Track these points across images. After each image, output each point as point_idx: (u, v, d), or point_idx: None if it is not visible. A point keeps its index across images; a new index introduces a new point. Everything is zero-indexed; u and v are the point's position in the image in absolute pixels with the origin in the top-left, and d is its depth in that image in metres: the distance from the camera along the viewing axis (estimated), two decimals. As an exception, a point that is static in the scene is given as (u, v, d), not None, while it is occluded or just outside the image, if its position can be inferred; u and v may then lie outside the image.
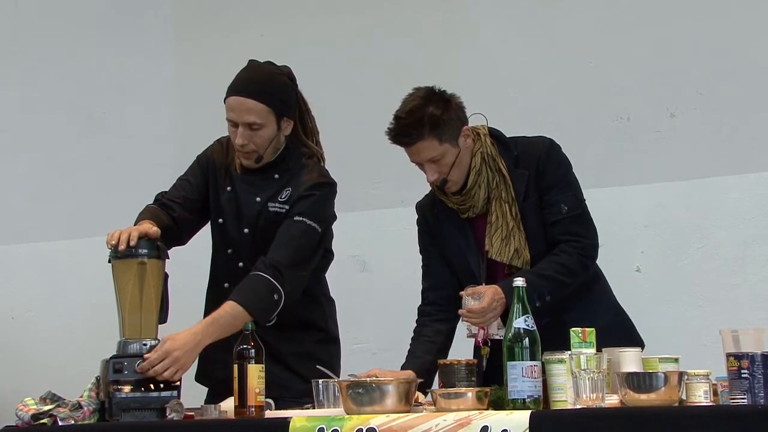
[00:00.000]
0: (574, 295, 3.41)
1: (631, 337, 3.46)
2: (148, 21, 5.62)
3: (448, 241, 3.55)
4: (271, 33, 5.36)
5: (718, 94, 4.62)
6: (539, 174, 3.45)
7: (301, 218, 3.52)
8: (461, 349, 3.59)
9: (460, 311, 3.33)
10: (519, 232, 3.42)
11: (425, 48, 4.99)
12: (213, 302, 3.68)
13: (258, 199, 3.61)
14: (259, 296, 3.38)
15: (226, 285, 3.65)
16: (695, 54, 4.66)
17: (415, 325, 3.59)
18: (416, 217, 3.66)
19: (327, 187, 3.62)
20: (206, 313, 3.71)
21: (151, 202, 3.71)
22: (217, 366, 3.46)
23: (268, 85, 3.60)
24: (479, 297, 3.28)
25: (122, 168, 5.55)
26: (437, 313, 3.55)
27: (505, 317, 2.94)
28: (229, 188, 3.68)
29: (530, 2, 4.97)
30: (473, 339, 3.46)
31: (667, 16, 4.73)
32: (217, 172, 3.72)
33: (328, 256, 3.73)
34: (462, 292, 3.33)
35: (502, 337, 3.30)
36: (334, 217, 3.68)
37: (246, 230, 3.61)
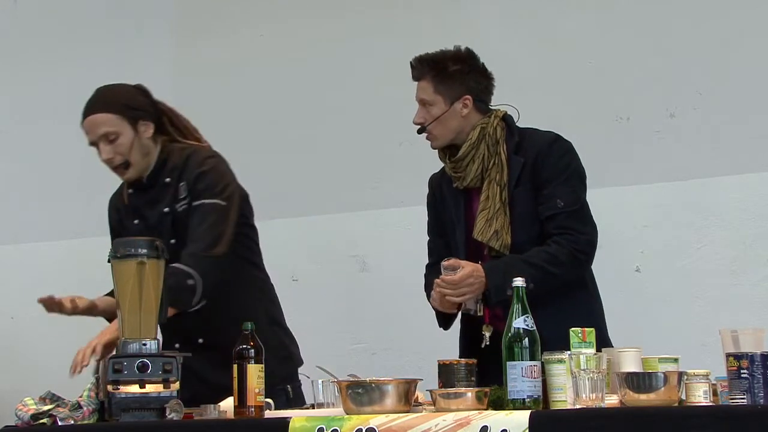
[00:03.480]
0: (553, 296, 3.35)
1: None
2: (147, 21, 5.62)
3: (446, 211, 3.61)
4: (271, 33, 5.36)
5: (718, 94, 4.61)
6: (537, 166, 3.47)
7: (200, 201, 3.58)
8: (453, 346, 3.61)
9: (435, 280, 3.37)
10: (504, 216, 3.44)
11: (425, 48, 4.95)
12: (164, 330, 3.64)
13: (166, 209, 3.65)
14: (172, 286, 3.34)
15: None
16: (695, 54, 4.66)
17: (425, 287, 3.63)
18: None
19: (213, 159, 3.66)
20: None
21: None
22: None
23: (108, 97, 3.68)
24: (458, 270, 3.32)
25: (122, 168, 5.55)
26: None
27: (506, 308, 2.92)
28: (136, 221, 3.71)
29: (530, 2, 4.97)
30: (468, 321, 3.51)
31: (667, 16, 4.73)
32: (115, 218, 3.81)
33: (250, 233, 3.74)
34: (443, 262, 3.37)
35: (478, 313, 3.38)
36: (239, 188, 3.68)
37: (173, 241, 3.59)
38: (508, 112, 3.60)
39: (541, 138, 3.53)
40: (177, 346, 3.60)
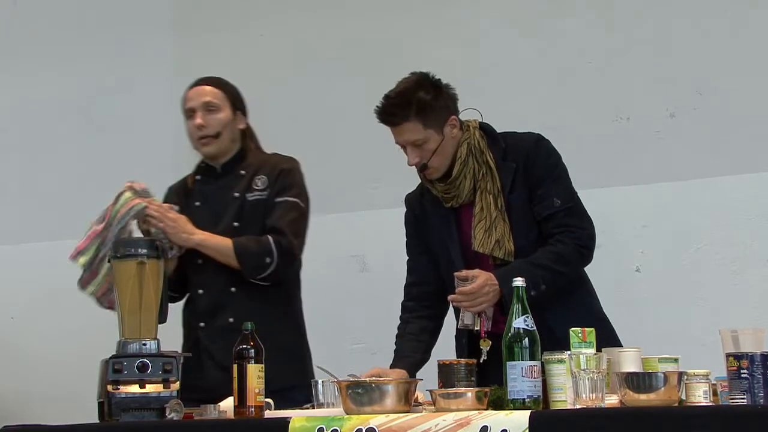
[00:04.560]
0: (553, 297, 3.36)
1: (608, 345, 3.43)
2: (147, 20, 5.62)
3: (432, 231, 3.59)
4: (271, 33, 5.36)
5: (718, 94, 4.61)
6: (528, 167, 3.46)
7: (282, 198, 3.76)
8: (452, 345, 3.60)
9: (449, 297, 3.36)
10: (503, 224, 3.43)
11: (425, 48, 4.99)
12: (188, 312, 3.81)
13: (236, 194, 3.78)
14: (251, 254, 3.66)
15: (200, 292, 3.77)
16: (695, 54, 4.66)
17: (399, 321, 3.62)
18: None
19: (293, 162, 3.87)
20: (184, 323, 3.84)
21: None
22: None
23: (221, 80, 3.92)
24: (472, 280, 3.31)
25: (122, 168, 5.54)
26: (421, 309, 3.59)
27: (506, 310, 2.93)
28: (198, 203, 3.82)
29: (530, 2, 4.97)
30: (463, 333, 3.50)
31: (667, 16, 4.73)
32: (180, 197, 3.87)
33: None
34: (456, 273, 3.36)
35: (474, 328, 3.37)
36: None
37: (236, 224, 3.74)
38: (476, 118, 3.56)
39: (525, 139, 3.52)
40: (202, 325, 3.69)
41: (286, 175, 3.79)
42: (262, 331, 3.51)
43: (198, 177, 3.89)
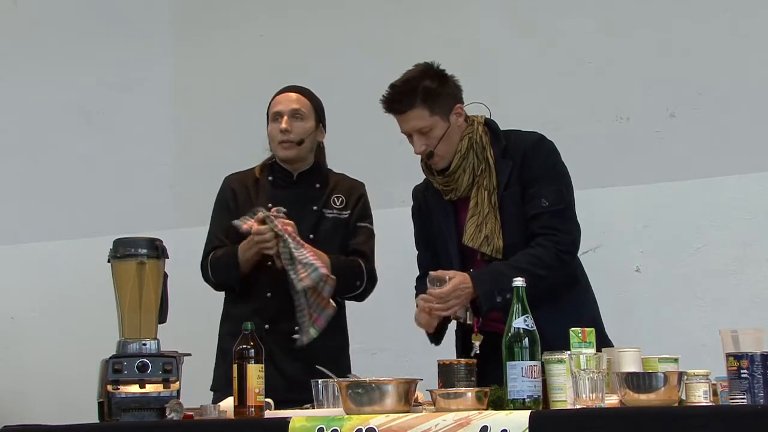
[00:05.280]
0: (545, 296, 3.32)
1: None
2: (147, 20, 5.62)
3: (434, 223, 3.61)
4: (270, 33, 5.37)
5: (718, 94, 4.62)
6: (524, 166, 3.46)
7: (364, 224, 3.94)
8: (452, 345, 3.60)
9: (417, 298, 3.40)
10: (494, 221, 3.43)
11: (425, 47, 4.98)
12: (251, 311, 3.79)
13: (315, 207, 3.89)
14: (347, 274, 3.80)
15: (268, 294, 3.82)
16: (695, 54, 4.66)
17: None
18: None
19: (364, 189, 4.02)
20: (224, 317, 3.90)
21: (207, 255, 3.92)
22: None
23: (310, 91, 4.03)
24: (443, 283, 3.33)
25: (122, 168, 5.55)
26: None
27: (507, 312, 2.92)
28: (270, 205, 3.83)
29: (530, 2, 4.97)
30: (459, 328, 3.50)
31: (667, 16, 4.73)
32: (243, 194, 3.92)
33: None
34: (431, 273, 3.37)
35: (467, 321, 3.39)
36: None
37: (312, 236, 3.83)
38: (483, 114, 3.58)
39: (526, 138, 3.53)
40: (267, 327, 3.76)
41: (366, 202, 3.97)
42: (320, 343, 3.75)
43: (270, 178, 3.95)
